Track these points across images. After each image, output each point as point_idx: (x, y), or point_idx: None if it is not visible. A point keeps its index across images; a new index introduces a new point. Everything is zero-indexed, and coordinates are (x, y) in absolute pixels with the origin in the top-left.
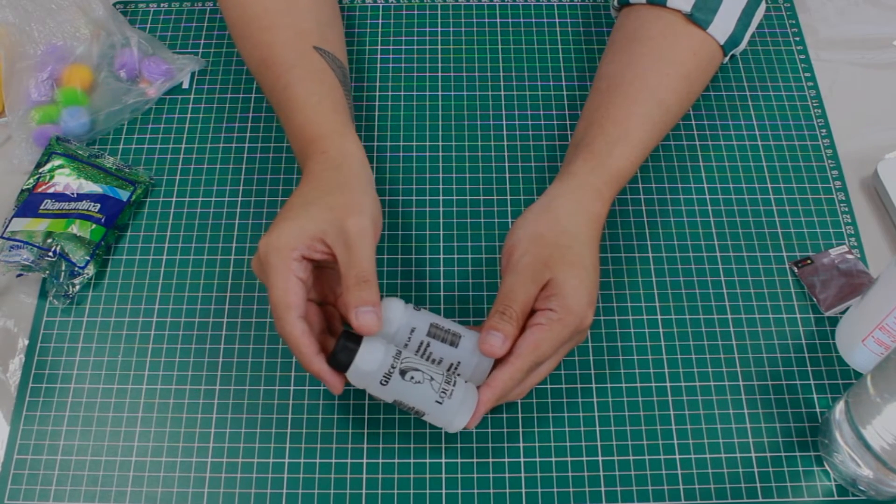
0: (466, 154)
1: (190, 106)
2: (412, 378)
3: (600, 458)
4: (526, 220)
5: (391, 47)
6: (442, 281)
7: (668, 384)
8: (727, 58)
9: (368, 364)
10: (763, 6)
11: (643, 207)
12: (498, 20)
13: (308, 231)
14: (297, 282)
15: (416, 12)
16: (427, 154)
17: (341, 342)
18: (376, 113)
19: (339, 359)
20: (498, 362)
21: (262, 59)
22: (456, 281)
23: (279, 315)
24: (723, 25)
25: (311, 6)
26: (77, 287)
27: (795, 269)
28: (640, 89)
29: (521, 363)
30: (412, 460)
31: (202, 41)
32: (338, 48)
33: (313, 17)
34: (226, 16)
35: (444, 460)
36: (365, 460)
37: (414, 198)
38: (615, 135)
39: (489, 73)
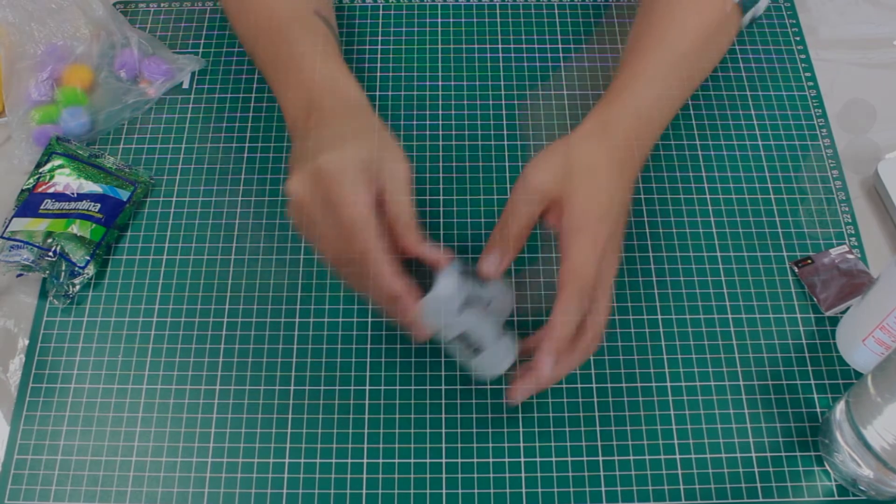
0: (466, 154)
1: (190, 106)
2: (477, 308)
3: (600, 458)
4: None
5: (391, 47)
6: None
7: (668, 384)
8: (745, 17)
9: (447, 288)
10: None
11: (643, 207)
12: (498, 20)
13: (369, 160)
14: (372, 200)
15: (416, 12)
16: (427, 154)
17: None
18: (376, 113)
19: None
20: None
21: (260, 24)
22: None
23: (362, 227)
24: None
25: None
26: (77, 287)
27: (795, 269)
28: (657, 39)
29: (566, 294)
30: (412, 460)
31: (202, 41)
32: (333, 21)
33: None
34: None
35: (444, 460)
36: (365, 460)
37: (414, 197)
38: (630, 75)
39: (489, 73)
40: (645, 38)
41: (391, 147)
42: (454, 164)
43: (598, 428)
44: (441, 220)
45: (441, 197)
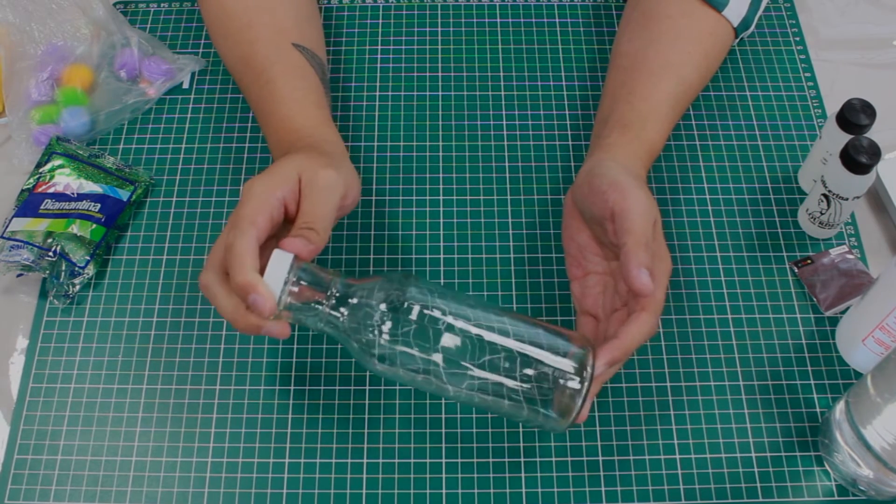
0: (466, 154)
1: (190, 106)
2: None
3: (600, 458)
4: (602, 171)
5: (391, 47)
6: (442, 281)
7: (668, 384)
8: (736, 40)
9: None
10: None
11: None
12: (498, 20)
13: (290, 175)
14: (269, 215)
15: (415, 12)
16: (427, 154)
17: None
18: (376, 113)
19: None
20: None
21: (242, 56)
22: (456, 281)
23: (240, 226)
24: (737, 8)
25: (290, 3)
26: (77, 287)
27: (795, 269)
28: (662, 66)
29: (647, 316)
30: (412, 460)
31: (202, 41)
32: (316, 44)
33: (292, 13)
34: (205, 15)
35: (444, 460)
36: (365, 460)
37: (414, 198)
38: (645, 110)
39: (489, 73)
40: (651, 65)
41: (334, 163)
42: (454, 164)
43: (598, 428)
44: (441, 220)
45: (441, 197)
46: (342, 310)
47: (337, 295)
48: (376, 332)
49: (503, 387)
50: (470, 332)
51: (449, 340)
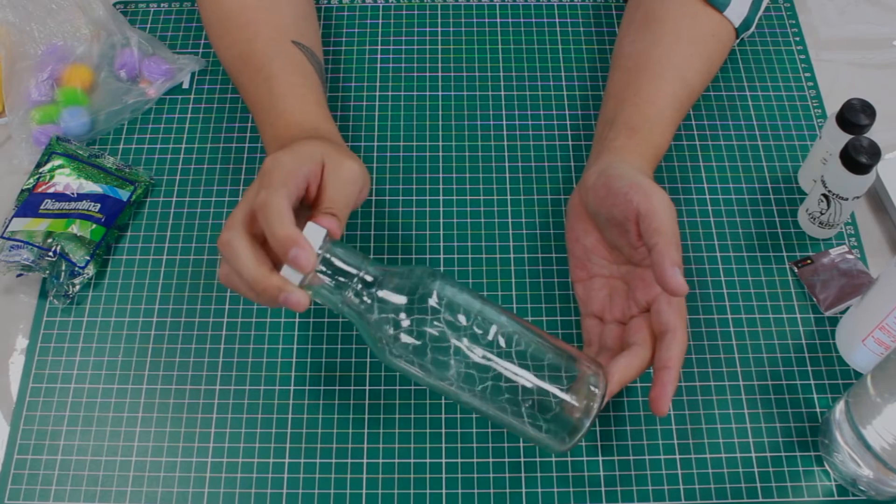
0: (466, 154)
1: (190, 106)
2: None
3: (600, 458)
4: (619, 174)
5: (391, 47)
6: None
7: None
8: (737, 40)
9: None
10: None
11: None
12: (498, 20)
13: (314, 156)
14: (297, 185)
15: (415, 12)
16: (427, 154)
17: None
18: (376, 113)
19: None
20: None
21: (241, 54)
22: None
23: (273, 185)
24: (738, 8)
25: (288, 1)
26: (77, 287)
27: (795, 269)
28: (667, 68)
29: (684, 322)
30: (412, 460)
31: (202, 41)
32: (314, 43)
33: (290, 12)
34: (203, 15)
35: (444, 460)
36: (365, 460)
37: (414, 198)
38: (651, 113)
39: (489, 73)
40: (655, 67)
41: (353, 155)
42: (454, 164)
43: (598, 428)
44: (441, 221)
45: (441, 197)
46: (365, 294)
47: (364, 277)
48: (393, 323)
49: (511, 399)
50: (488, 339)
51: (464, 345)
